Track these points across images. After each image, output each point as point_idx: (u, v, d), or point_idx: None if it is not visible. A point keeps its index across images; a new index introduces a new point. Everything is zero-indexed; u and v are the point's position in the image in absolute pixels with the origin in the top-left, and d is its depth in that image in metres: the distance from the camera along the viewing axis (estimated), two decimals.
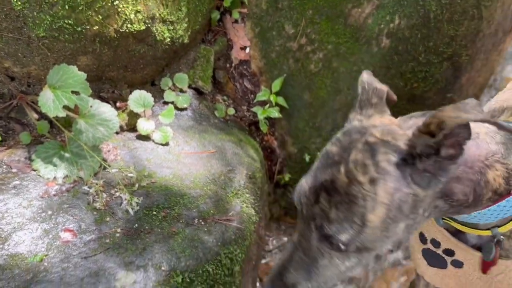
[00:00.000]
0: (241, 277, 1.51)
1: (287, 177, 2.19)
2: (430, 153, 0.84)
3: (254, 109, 2.08)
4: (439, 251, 1.41)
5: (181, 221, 1.42)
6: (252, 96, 2.14)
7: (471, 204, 0.98)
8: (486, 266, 1.30)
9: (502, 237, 1.17)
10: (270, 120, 2.15)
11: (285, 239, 2.34)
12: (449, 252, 1.38)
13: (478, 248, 1.28)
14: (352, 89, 2.01)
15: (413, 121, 0.91)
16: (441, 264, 1.44)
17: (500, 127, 0.89)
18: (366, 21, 1.90)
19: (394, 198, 0.86)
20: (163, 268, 1.27)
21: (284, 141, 2.19)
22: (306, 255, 0.97)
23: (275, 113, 2.04)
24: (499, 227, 1.13)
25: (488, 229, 1.14)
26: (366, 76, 1.05)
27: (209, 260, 1.37)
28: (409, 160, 0.85)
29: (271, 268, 2.30)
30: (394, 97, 1.10)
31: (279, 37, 2.07)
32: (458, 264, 1.40)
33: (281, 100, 2.05)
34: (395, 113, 1.01)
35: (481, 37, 2.04)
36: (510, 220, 1.13)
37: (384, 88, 1.04)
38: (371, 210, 0.86)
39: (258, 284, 2.24)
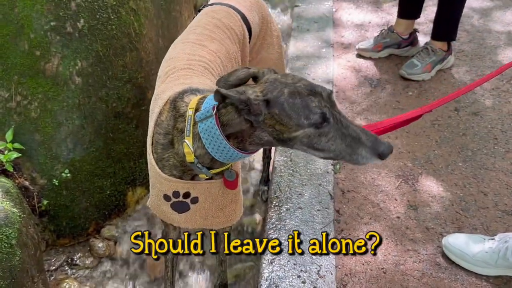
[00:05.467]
0: (20, 250, 2.00)
1: (45, 203, 2.71)
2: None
3: None
4: (181, 198, 1.72)
5: None
6: None
7: None
8: (230, 184, 1.72)
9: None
10: (17, 166, 2.67)
11: (64, 257, 2.81)
12: (187, 195, 1.73)
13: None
14: (71, 119, 2.72)
15: None
16: (186, 208, 1.76)
17: None
18: (58, 69, 2.67)
19: None
20: None
21: (33, 178, 2.73)
22: None
23: (14, 155, 2.58)
24: None
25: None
26: None
27: None
28: None
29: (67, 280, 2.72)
30: None
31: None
32: (195, 200, 1.74)
33: (17, 145, 2.62)
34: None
35: (145, 63, 3.03)
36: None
37: None
38: None
39: None
